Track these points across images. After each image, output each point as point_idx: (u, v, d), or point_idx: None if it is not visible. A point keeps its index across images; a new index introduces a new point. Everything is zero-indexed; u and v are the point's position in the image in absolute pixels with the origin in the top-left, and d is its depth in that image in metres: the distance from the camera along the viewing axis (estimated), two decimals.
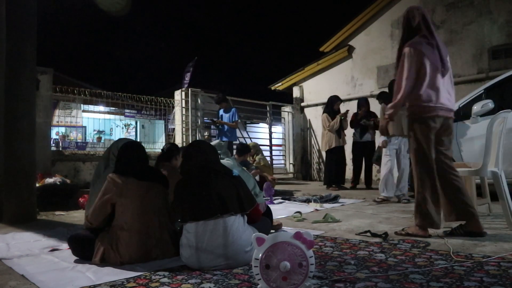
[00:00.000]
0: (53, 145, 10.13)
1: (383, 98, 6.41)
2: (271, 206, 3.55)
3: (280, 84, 10.55)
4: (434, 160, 2.73)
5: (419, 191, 2.77)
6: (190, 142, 2.63)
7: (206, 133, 7.99)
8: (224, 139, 6.88)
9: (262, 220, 2.46)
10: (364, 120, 6.57)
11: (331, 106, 6.86)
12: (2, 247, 2.68)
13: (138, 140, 12.50)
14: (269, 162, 8.99)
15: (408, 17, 2.87)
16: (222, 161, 2.88)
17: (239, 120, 7.33)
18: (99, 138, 14.02)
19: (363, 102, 6.77)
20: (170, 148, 3.43)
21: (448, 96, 2.78)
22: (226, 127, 6.91)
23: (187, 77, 11.12)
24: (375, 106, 6.89)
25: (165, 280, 1.87)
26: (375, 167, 7.40)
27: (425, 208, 2.72)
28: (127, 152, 2.42)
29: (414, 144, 2.80)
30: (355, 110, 6.94)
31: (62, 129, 13.96)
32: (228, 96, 7.42)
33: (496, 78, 4.98)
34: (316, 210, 4.40)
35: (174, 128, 8.63)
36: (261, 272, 1.58)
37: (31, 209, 3.98)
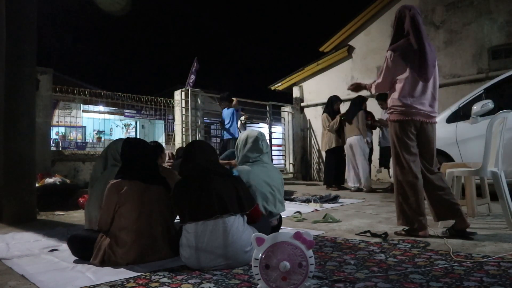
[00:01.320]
0: (53, 145, 10.13)
1: (382, 98, 6.45)
2: None
3: (280, 84, 10.55)
4: (411, 162, 2.75)
5: (398, 192, 2.83)
6: (190, 141, 2.58)
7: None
8: (228, 136, 6.92)
9: (262, 220, 2.46)
10: None
11: (331, 106, 6.86)
12: (2, 247, 2.68)
13: None
14: None
15: (398, 17, 2.84)
16: (242, 166, 2.80)
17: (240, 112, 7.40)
18: (99, 138, 14.02)
19: (361, 101, 6.76)
20: (155, 146, 3.46)
21: (429, 101, 2.78)
22: (229, 125, 6.94)
23: (192, 79, 11.11)
24: (374, 107, 6.90)
25: (165, 280, 1.87)
26: (374, 167, 7.40)
27: (407, 209, 2.77)
28: (132, 155, 2.39)
29: (392, 147, 2.88)
30: None
31: (62, 129, 13.96)
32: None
33: (496, 78, 4.98)
34: (316, 210, 4.40)
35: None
36: (260, 272, 1.58)
37: (31, 209, 3.98)
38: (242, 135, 2.98)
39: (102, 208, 2.28)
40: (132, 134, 15.77)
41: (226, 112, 7.06)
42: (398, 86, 2.78)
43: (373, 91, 2.98)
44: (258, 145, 2.91)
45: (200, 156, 2.24)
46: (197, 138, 7.73)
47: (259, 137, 2.94)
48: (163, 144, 6.24)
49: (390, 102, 2.86)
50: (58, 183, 5.04)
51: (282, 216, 3.86)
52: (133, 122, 16.15)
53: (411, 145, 2.78)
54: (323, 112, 6.97)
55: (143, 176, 2.32)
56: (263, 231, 2.07)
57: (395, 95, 2.80)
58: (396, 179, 2.84)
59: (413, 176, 2.74)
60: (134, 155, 2.40)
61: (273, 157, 9.39)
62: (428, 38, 2.84)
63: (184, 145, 7.19)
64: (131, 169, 2.34)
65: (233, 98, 7.18)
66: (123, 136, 14.37)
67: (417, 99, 2.74)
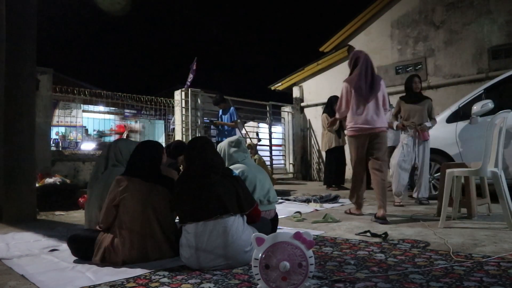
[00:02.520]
0: (53, 145, 10.12)
1: None
2: None
3: (280, 84, 10.54)
4: (362, 163, 3.73)
5: (354, 182, 3.85)
6: (192, 140, 2.54)
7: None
8: (223, 139, 6.87)
9: (262, 220, 2.46)
10: None
11: (331, 106, 6.86)
12: (2, 247, 2.68)
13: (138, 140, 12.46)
14: (269, 162, 9.03)
15: (354, 59, 3.79)
16: (234, 165, 2.86)
17: (238, 120, 7.34)
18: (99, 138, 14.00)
19: None
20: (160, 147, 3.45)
21: (373, 116, 3.63)
22: (225, 127, 6.91)
23: (190, 78, 11.11)
24: None
25: (165, 280, 1.87)
26: None
27: (357, 193, 3.84)
28: (137, 154, 2.42)
29: (350, 153, 3.86)
30: None
31: (62, 129, 13.95)
32: (227, 96, 7.40)
33: (496, 78, 4.98)
34: (316, 210, 4.40)
35: (174, 128, 8.64)
36: (260, 272, 1.58)
37: (31, 209, 3.98)
38: (222, 143, 3.06)
39: (105, 203, 2.29)
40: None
41: (223, 114, 7.00)
42: (350, 108, 3.70)
43: (337, 116, 3.93)
44: (242, 146, 3.00)
45: (203, 157, 2.22)
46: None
47: (240, 139, 3.04)
48: (163, 144, 6.24)
49: (346, 121, 3.78)
50: (58, 183, 5.05)
51: (282, 216, 3.87)
52: (133, 122, 16.14)
53: (361, 151, 3.69)
54: (323, 112, 6.96)
55: (144, 174, 2.32)
56: (263, 231, 2.07)
57: (348, 115, 3.73)
58: (353, 174, 3.82)
59: (361, 172, 3.77)
60: (136, 154, 2.40)
61: (273, 157, 9.39)
62: (380, 76, 3.78)
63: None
64: (132, 168, 2.36)
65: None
66: (123, 136, 14.37)
67: (360, 117, 3.63)
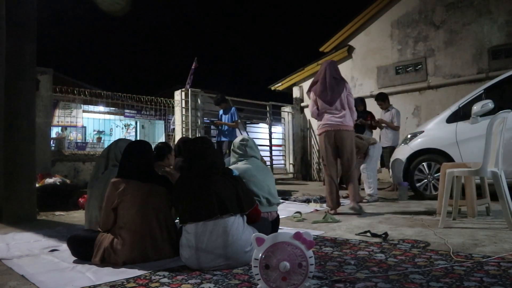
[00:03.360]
0: (53, 145, 10.14)
1: (381, 98, 6.50)
2: None
3: (280, 84, 10.54)
4: (332, 161, 4.13)
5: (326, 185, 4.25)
6: (192, 140, 2.55)
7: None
8: (224, 139, 6.88)
9: (262, 220, 2.46)
10: (360, 119, 6.55)
11: None
12: (2, 247, 2.68)
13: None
14: (269, 162, 9.03)
15: (320, 69, 4.35)
16: (237, 165, 2.89)
17: (239, 120, 7.34)
18: (99, 138, 14.03)
19: (358, 102, 6.76)
20: (162, 147, 3.48)
21: (334, 117, 4.06)
22: (225, 127, 6.91)
23: (190, 79, 11.13)
24: (373, 106, 6.90)
25: (165, 280, 1.87)
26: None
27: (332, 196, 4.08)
28: (130, 155, 2.41)
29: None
30: None
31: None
32: (227, 97, 7.40)
33: (496, 78, 4.98)
34: (316, 210, 4.40)
35: (174, 128, 8.65)
36: (260, 272, 1.58)
37: (31, 209, 3.98)
38: (236, 139, 3.14)
39: (103, 207, 2.29)
40: (132, 134, 15.77)
41: (224, 114, 7.01)
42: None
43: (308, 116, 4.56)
44: (249, 148, 3.06)
45: (203, 157, 2.22)
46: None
47: (251, 141, 3.13)
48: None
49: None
50: (58, 183, 5.05)
51: (282, 216, 3.87)
52: (133, 122, 16.15)
53: (330, 152, 4.11)
54: None
55: (140, 175, 2.32)
56: (263, 231, 2.07)
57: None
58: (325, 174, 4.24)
59: (329, 175, 4.10)
60: (129, 155, 2.40)
61: (273, 157, 9.39)
62: (343, 83, 4.16)
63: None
64: (128, 169, 2.35)
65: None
66: (123, 136, 14.38)
67: (323, 116, 4.10)
